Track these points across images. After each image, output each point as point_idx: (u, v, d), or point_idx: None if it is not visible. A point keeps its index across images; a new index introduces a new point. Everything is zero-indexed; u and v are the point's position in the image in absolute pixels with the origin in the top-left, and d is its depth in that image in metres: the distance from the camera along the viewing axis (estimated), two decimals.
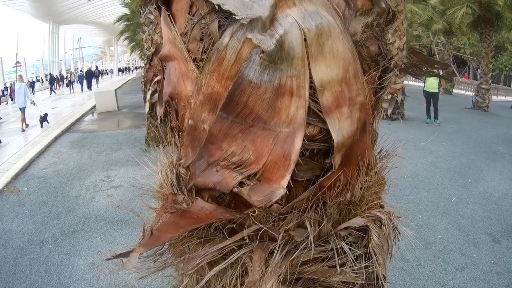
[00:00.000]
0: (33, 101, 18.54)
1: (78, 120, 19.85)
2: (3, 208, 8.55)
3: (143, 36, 23.33)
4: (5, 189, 9.62)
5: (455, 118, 18.15)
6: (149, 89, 11.65)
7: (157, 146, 11.48)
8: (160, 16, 2.21)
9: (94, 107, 23.31)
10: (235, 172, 1.74)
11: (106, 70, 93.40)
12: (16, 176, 10.53)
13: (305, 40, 1.56)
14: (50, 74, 47.83)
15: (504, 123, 19.10)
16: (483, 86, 24.81)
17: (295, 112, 1.60)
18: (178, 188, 2.12)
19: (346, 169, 1.89)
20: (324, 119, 1.65)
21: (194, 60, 1.88)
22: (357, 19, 1.88)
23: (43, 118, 18.12)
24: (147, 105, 11.67)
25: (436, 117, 16.80)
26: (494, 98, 32.72)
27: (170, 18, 2.04)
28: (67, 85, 41.65)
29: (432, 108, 17.00)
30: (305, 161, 1.76)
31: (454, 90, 37.86)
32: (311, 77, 1.60)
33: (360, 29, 1.90)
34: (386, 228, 2.10)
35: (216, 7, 1.64)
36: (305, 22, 1.56)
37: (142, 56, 31.13)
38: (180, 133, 2.16)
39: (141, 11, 22.50)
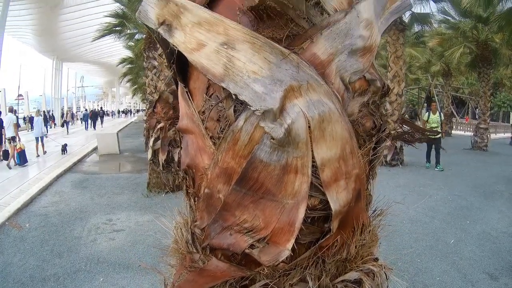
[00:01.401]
0: (46, 134, 23.94)
1: (80, 160, 19.90)
2: (4, 241, 8.57)
3: (146, 80, 23.54)
4: (6, 222, 9.66)
5: (454, 160, 18.29)
6: (151, 136, 11.79)
7: (158, 193, 11.67)
8: (177, 89, 2.53)
9: (95, 148, 23.41)
10: (246, 236, 2.02)
11: (110, 111, 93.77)
12: (18, 211, 10.56)
13: (309, 126, 1.85)
14: (44, 112, 47.33)
15: (503, 161, 19.28)
16: (481, 126, 25.00)
17: (299, 186, 1.91)
18: (193, 246, 2.38)
19: (343, 232, 2.17)
20: (324, 192, 1.96)
21: (211, 137, 2.16)
22: (354, 99, 2.17)
23: (64, 147, 22.46)
24: (150, 152, 11.79)
25: (437, 162, 16.58)
26: (493, 136, 32.93)
27: (187, 95, 2.34)
28: (62, 125, 39.05)
29: (432, 152, 16.85)
30: (307, 226, 2.03)
31: (453, 132, 38.07)
32: (313, 157, 1.90)
33: (357, 109, 2.18)
34: (378, 279, 2.34)
35: (233, 96, 1.91)
36: (309, 111, 1.85)
37: (144, 100, 31.46)
38: (196, 198, 2.37)
39: (144, 55, 22.78)
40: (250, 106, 1.87)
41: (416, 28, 22.15)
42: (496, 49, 24.87)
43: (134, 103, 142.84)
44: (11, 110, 21.02)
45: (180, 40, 2.12)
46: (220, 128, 2.12)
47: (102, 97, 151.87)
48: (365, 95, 2.24)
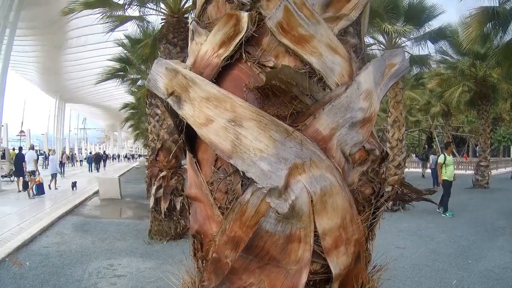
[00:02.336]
0: (60, 171, 30.02)
1: (81, 203, 19.80)
2: (5, 277, 8.52)
3: (149, 127, 23.66)
4: (6, 258, 9.61)
5: (456, 201, 18.11)
6: (154, 184, 11.84)
7: (160, 240, 11.63)
8: (186, 157, 2.67)
9: (97, 192, 23.29)
10: None
11: (111, 155, 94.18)
12: (18, 248, 10.52)
13: (312, 200, 1.99)
14: (37, 151, 47.18)
15: (504, 196, 19.32)
16: (482, 164, 25.13)
17: (302, 254, 2.04)
18: None
19: None
20: (325, 257, 2.10)
21: (219, 207, 2.27)
22: (354, 170, 2.31)
23: (74, 184, 24.74)
24: (152, 199, 11.79)
25: (445, 209, 16.07)
26: (494, 171, 32.87)
27: (196, 165, 2.44)
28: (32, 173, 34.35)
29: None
30: None
31: (454, 171, 38.14)
32: (315, 227, 2.04)
33: (357, 178, 2.32)
34: None
35: (241, 172, 2.06)
36: (312, 187, 1.99)
37: (147, 146, 31.62)
38: (204, 261, 2.46)
39: (147, 102, 22.95)
40: (257, 183, 2.00)
41: (415, 70, 22.28)
42: (494, 85, 25.32)
43: (136, 148, 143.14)
44: (32, 147, 27.63)
45: (189, 113, 2.28)
46: (228, 199, 2.24)
47: (104, 140, 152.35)
48: (365, 164, 2.38)
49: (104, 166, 51.77)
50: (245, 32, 2.24)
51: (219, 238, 2.25)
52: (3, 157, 31.41)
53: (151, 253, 10.52)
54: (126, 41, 20.87)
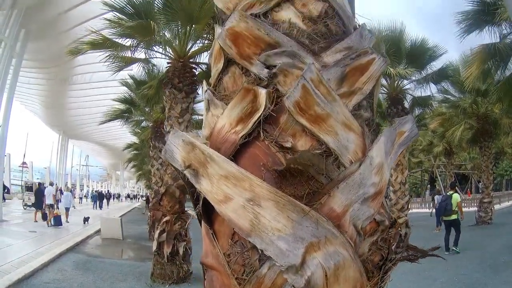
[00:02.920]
0: (74, 206, 32.76)
1: (83, 241, 19.79)
2: None
3: (152, 169, 23.70)
4: None
5: (460, 239, 18.17)
6: (157, 228, 11.91)
7: (162, 283, 11.62)
8: (200, 224, 2.71)
9: (98, 231, 23.29)
10: None
11: (114, 194, 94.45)
12: (19, 281, 10.53)
13: (326, 275, 2.06)
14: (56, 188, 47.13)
15: (508, 231, 19.37)
16: (485, 200, 25.22)
17: None
18: None
19: None
20: None
21: (236, 278, 2.28)
22: (365, 241, 2.36)
23: (86, 219, 27.15)
24: (155, 243, 11.83)
25: (456, 244, 16.20)
26: (497, 206, 32.76)
27: (213, 236, 2.46)
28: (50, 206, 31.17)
29: (449, 235, 16.54)
30: None
31: None
32: None
33: (367, 248, 2.37)
34: None
35: (260, 250, 2.12)
36: (326, 262, 2.06)
37: (150, 189, 31.72)
38: None
39: (151, 144, 23.05)
40: (275, 261, 2.07)
41: (417, 111, 22.45)
42: (496, 120, 25.64)
43: (138, 188, 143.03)
44: (52, 184, 33.41)
45: (207, 188, 2.32)
46: (245, 271, 2.25)
47: (106, 179, 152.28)
48: (375, 235, 2.42)
49: (108, 204, 52.78)
50: (263, 111, 2.30)
51: None
52: (30, 189, 35.34)
53: None
54: (130, 81, 21.06)
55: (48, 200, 25.58)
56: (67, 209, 28.46)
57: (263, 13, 2.60)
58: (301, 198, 2.19)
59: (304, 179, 2.24)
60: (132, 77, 20.29)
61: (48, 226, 24.16)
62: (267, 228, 2.11)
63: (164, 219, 11.77)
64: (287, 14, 2.59)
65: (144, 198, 61.49)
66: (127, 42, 12.56)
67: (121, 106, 24.16)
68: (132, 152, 45.01)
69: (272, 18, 2.60)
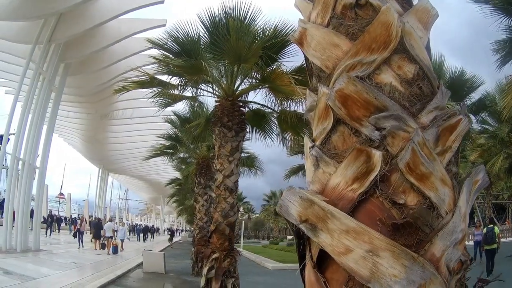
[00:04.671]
0: (128, 238, 38.71)
1: (124, 274, 19.60)
2: None
3: (197, 206, 23.89)
4: None
5: (497, 270, 17.65)
6: (205, 265, 11.80)
7: None
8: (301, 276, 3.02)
9: (140, 264, 23.05)
10: None
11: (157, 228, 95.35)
12: None
13: None
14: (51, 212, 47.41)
15: None
16: None
17: None
18: None
19: None
20: None
21: None
22: (453, 279, 2.64)
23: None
24: (203, 279, 11.66)
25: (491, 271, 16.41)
26: None
27: (325, 283, 2.67)
28: (74, 236, 34.44)
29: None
30: None
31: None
32: None
33: (454, 285, 2.64)
34: None
35: None
36: None
37: (194, 225, 32.04)
38: None
39: (196, 181, 23.20)
40: None
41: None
42: None
43: (178, 222, 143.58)
44: (111, 220, 38.03)
45: (326, 242, 2.57)
46: None
47: (145, 212, 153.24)
48: (459, 273, 2.71)
49: (153, 237, 55.41)
50: (379, 171, 2.55)
51: None
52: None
53: None
54: (174, 117, 21.27)
55: (108, 233, 30.10)
56: (122, 240, 32.85)
57: (367, 75, 2.83)
58: (411, 247, 2.45)
59: (412, 230, 2.49)
60: (176, 113, 20.51)
61: (108, 254, 28.29)
62: (385, 274, 2.36)
63: (213, 256, 11.67)
64: (386, 77, 2.83)
65: (169, 232, 61.60)
66: (174, 80, 12.79)
67: (166, 143, 24.38)
68: (175, 188, 45.42)
69: (375, 81, 2.84)
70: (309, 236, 2.65)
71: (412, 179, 2.55)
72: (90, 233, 41.81)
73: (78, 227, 32.43)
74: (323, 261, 2.71)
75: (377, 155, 2.57)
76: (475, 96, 19.13)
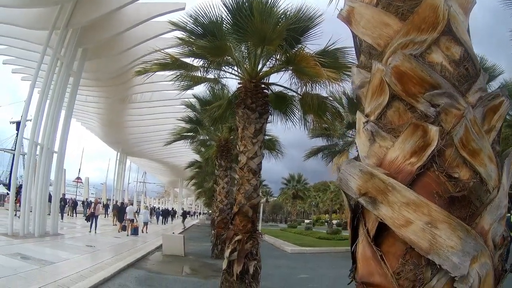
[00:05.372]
0: (150, 220, 41.75)
1: (144, 257, 19.72)
2: None
3: (217, 188, 23.81)
4: None
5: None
6: (228, 247, 11.81)
7: None
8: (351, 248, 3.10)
9: (160, 247, 23.25)
10: None
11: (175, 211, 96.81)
12: None
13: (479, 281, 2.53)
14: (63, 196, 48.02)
15: None
16: None
17: None
18: None
19: None
20: None
21: None
22: (496, 253, 2.81)
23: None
24: (225, 262, 11.69)
25: None
26: None
27: (382, 258, 2.81)
28: (87, 219, 31.61)
29: None
30: None
31: None
32: None
33: (497, 259, 2.79)
34: None
35: (438, 266, 2.53)
36: (480, 271, 2.54)
37: (213, 206, 32.31)
38: None
39: (217, 163, 23.14)
40: (450, 273, 2.46)
41: None
42: None
43: (196, 205, 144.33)
44: (132, 203, 44.19)
45: (387, 214, 2.72)
46: (413, 286, 2.64)
47: (163, 195, 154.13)
48: (502, 248, 2.85)
49: (172, 220, 55.98)
50: (436, 146, 2.71)
51: None
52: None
53: None
54: (193, 100, 21.25)
55: (130, 215, 31.67)
56: (145, 223, 35.80)
57: (419, 54, 3.02)
58: (464, 220, 2.60)
59: (465, 204, 2.65)
60: (196, 96, 20.54)
61: (127, 236, 30.03)
62: (443, 246, 2.49)
63: (236, 238, 11.69)
64: (437, 56, 3.01)
65: (181, 214, 61.77)
66: (196, 62, 12.72)
67: (186, 125, 24.37)
68: (194, 170, 45.87)
69: (427, 60, 3.01)
70: (365, 211, 2.83)
71: (465, 154, 2.71)
72: (105, 216, 45.66)
73: (92, 210, 30.81)
74: (379, 236, 2.85)
75: (433, 130, 2.72)
76: (494, 84, 18.89)
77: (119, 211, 35.70)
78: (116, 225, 37.34)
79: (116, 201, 51.79)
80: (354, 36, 3.64)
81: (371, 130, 3.11)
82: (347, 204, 3.10)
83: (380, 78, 3.09)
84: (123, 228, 32.73)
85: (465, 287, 2.46)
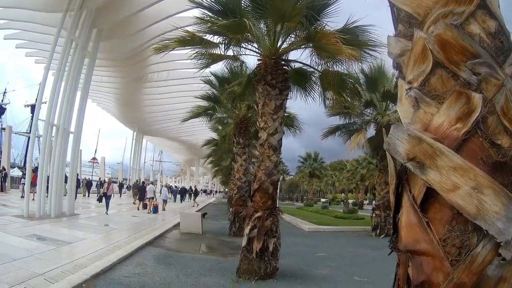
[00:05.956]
0: (169, 198, 45.81)
1: (161, 235, 19.78)
2: None
3: (235, 165, 23.79)
4: (83, 285, 9.23)
5: None
6: (248, 224, 11.79)
7: (248, 279, 11.31)
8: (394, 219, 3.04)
9: (177, 225, 23.48)
10: None
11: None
12: (97, 276, 10.17)
13: None
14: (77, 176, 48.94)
15: None
16: None
17: None
18: None
19: None
20: None
21: (450, 260, 2.75)
22: None
23: (203, 215, 27.40)
24: (245, 239, 11.68)
25: None
26: None
27: (429, 224, 2.89)
28: (99, 200, 30.32)
29: None
30: None
31: None
32: None
33: None
34: None
35: (484, 231, 2.62)
36: None
37: (230, 185, 32.48)
38: None
39: (235, 141, 23.10)
40: (496, 238, 2.51)
41: None
42: None
43: (213, 184, 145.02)
44: (152, 182, 51.31)
45: (435, 179, 2.79)
46: (460, 253, 2.72)
47: (179, 174, 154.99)
48: None
49: (194, 199, 54.87)
50: (480, 113, 2.79)
51: (445, 286, 2.71)
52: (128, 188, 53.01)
53: None
54: (212, 78, 21.20)
55: (150, 194, 33.87)
56: (164, 201, 37.57)
57: (459, 24, 3.12)
58: (506, 186, 2.63)
59: (508, 170, 2.71)
60: (214, 74, 20.52)
61: (148, 213, 32.03)
62: (489, 211, 2.54)
63: (256, 215, 11.66)
64: (475, 28, 3.10)
65: (191, 191, 61.59)
66: (215, 39, 12.68)
67: (204, 103, 24.35)
68: (211, 148, 46.17)
69: (466, 30, 3.10)
70: (411, 177, 2.95)
71: (505, 122, 2.80)
72: (120, 196, 46.40)
73: (105, 190, 29.11)
74: (424, 202, 2.92)
75: (477, 97, 2.82)
76: None
77: (140, 190, 36.84)
78: (135, 203, 38.19)
79: (137, 181, 52.33)
80: (392, 6, 3.73)
81: (415, 97, 3.18)
82: (393, 170, 3.18)
83: (423, 46, 3.18)
84: (144, 207, 34.10)
85: (509, 253, 2.50)
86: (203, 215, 27.44)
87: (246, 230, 11.74)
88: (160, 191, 47.75)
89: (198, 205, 49.93)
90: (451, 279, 2.67)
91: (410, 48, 3.37)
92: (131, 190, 53.00)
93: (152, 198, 33.81)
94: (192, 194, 57.41)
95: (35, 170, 26.93)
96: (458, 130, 2.85)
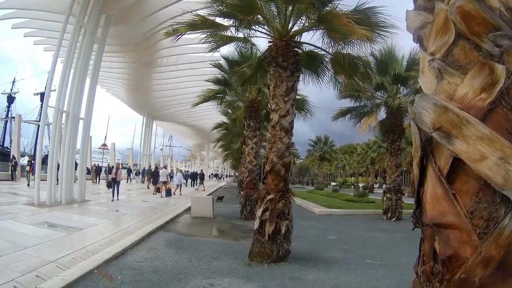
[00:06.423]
0: (185, 182, 49.42)
1: (172, 220, 19.85)
2: None
3: (246, 148, 23.73)
4: (95, 270, 9.21)
5: None
6: (260, 206, 11.74)
7: (260, 262, 11.28)
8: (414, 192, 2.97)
9: (188, 209, 23.48)
10: None
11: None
12: (109, 261, 10.18)
13: None
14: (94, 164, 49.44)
15: None
16: None
17: None
18: None
19: None
20: None
21: (478, 233, 2.72)
22: None
23: (220, 198, 32.26)
24: (257, 221, 11.64)
25: None
26: None
27: (455, 196, 2.87)
28: (108, 186, 30.28)
29: None
30: None
31: None
32: None
33: None
34: None
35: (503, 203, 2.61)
36: None
37: (241, 168, 32.56)
38: (445, 283, 2.89)
39: (245, 124, 23.03)
40: None
41: None
42: None
43: (223, 168, 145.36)
44: (165, 167, 47.90)
45: (462, 149, 2.76)
46: (488, 225, 2.68)
47: (190, 159, 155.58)
48: None
49: (202, 183, 53.16)
50: (504, 83, 2.79)
51: (472, 260, 2.66)
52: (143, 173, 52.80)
53: (252, 274, 10.11)
54: (222, 61, 21.13)
55: (163, 178, 35.13)
56: (179, 185, 38.50)
57: None
58: None
59: None
60: (224, 57, 20.45)
61: (162, 197, 33.10)
62: None
63: (268, 197, 11.60)
64: (495, 2, 3.08)
65: (198, 175, 61.37)
66: (226, 21, 12.61)
67: (214, 87, 24.26)
68: (222, 132, 46.20)
69: (488, 4, 3.07)
70: (436, 148, 2.95)
71: None
72: (127, 181, 48.05)
73: (114, 176, 28.23)
74: (450, 174, 2.93)
75: (500, 68, 2.80)
76: None
77: (153, 175, 38.70)
78: (149, 188, 40.40)
79: (150, 166, 55.94)
80: None
81: (438, 68, 3.16)
82: (418, 142, 3.16)
83: (445, 17, 3.18)
84: (157, 190, 35.48)
85: None
86: (220, 199, 29.26)
87: (258, 213, 11.68)
88: (173, 176, 48.97)
89: (204, 190, 48.56)
90: (479, 253, 2.63)
91: (431, 20, 3.36)
92: (139, 176, 55.87)
93: (165, 182, 34.93)
94: (198, 178, 55.68)
95: (45, 158, 27.07)
96: (483, 100, 2.83)
